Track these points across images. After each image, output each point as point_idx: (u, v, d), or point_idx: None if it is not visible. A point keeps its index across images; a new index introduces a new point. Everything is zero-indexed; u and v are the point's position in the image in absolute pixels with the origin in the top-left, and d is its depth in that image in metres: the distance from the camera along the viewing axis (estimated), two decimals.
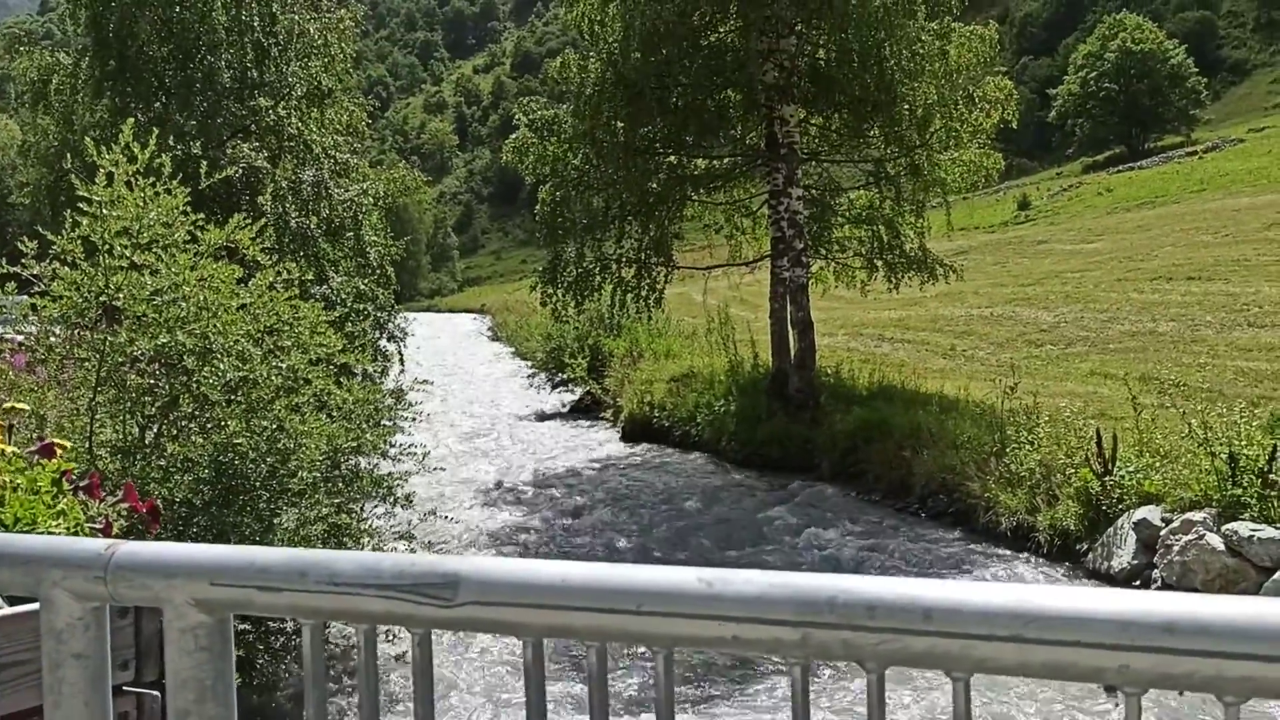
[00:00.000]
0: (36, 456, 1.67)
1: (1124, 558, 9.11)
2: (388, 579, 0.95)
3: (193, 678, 1.04)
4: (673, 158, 16.75)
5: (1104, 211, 40.03)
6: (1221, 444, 9.01)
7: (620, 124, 15.77)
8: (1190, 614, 0.70)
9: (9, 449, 1.65)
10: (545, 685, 0.95)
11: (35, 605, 1.24)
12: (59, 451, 1.71)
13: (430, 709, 0.98)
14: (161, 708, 1.50)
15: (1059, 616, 0.74)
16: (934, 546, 10.52)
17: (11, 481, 1.57)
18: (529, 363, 28.84)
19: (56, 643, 1.09)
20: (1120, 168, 55.25)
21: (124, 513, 1.75)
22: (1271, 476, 8.47)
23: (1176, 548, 8.57)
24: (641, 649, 7.60)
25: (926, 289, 17.80)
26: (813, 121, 16.77)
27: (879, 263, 16.79)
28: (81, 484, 1.72)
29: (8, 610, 1.36)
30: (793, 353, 15.80)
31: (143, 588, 1.04)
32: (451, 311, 68.51)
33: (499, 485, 14.44)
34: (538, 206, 17.26)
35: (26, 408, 2.05)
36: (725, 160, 17.31)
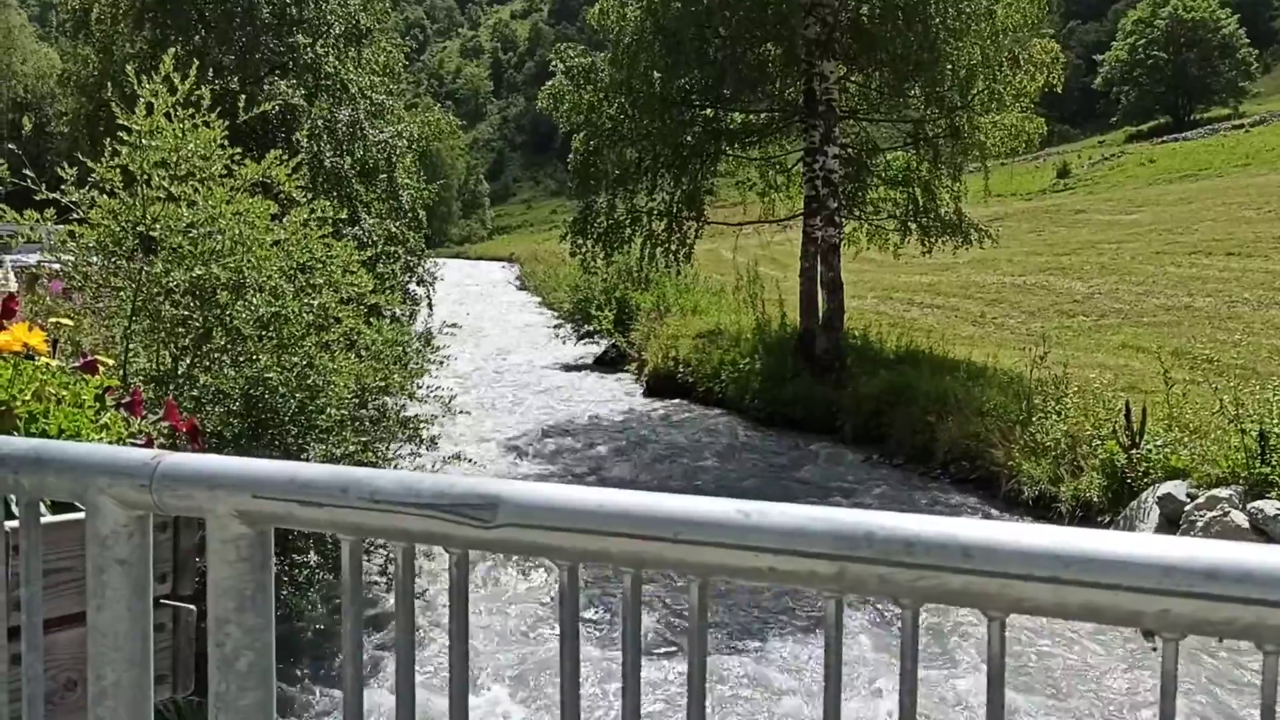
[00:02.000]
0: (80, 372, 1.70)
1: (1146, 531, 9.08)
2: (428, 498, 0.96)
3: (233, 587, 1.06)
4: (709, 111, 16.59)
5: (1145, 182, 39.42)
6: (1253, 421, 8.93)
7: (657, 74, 15.62)
8: (1235, 561, 0.70)
9: (54, 363, 1.67)
10: (579, 610, 0.97)
11: (79, 515, 1.27)
12: (101, 369, 1.74)
13: (465, 627, 0.99)
14: (196, 621, 1.53)
15: (1099, 559, 0.74)
16: (954, 513, 10.52)
17: (56, 393, 1.60)
18: (555, 313, 28.88)
19: (101, 548, 1.11)
20: (1164, 138, 54.30)
21: (165, 430, 1.78)
22: None
23: (1200, 523, 8.52)
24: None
25: (959, 255, 17.63)
26: (853, 79, 16.55)
27: (913, 226, 16.62)
28: (124, 400, 1.75)
29: (53, 518, 1.39)
30: (821, 314, 15.72)
31: (186, 497, 1.06)
32: (480, 259, 68.55)
33: (520, 434, 14.52)
34: (570, 156, 17.18)
35: (70, 322, 2.08)
36: (762, 115, 17.13)
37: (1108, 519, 9.66)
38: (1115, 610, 0.73)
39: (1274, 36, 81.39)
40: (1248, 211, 25.85)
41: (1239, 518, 8.35)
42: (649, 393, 17.78)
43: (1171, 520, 8.92)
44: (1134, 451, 9.61)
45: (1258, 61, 68.65)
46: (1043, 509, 10.26)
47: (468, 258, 71.94)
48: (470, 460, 8.56)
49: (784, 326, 17.26)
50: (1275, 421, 8.84)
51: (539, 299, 34.97)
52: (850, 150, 16.81)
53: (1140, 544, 0.73)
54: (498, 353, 23.11)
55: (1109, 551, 0.73)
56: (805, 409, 14.52)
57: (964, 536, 0.78)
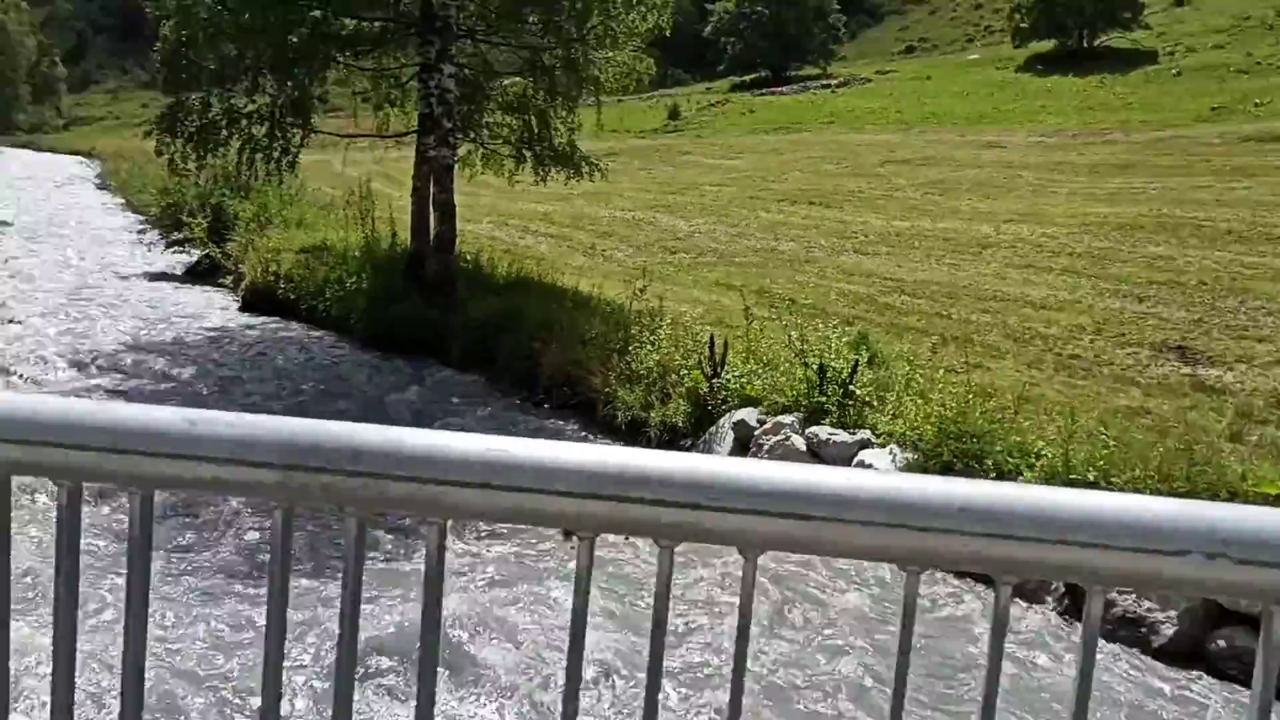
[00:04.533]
0: None
1: (722, 454, 9.93)
2: None
3: None
4: (317, 12, 15.61)
5: (745, 131, 42.34)
6: (814, 356, 9.97)
7: None
8: (638, 465, 0.75)
9: None
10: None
11: None
12: None
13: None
14: None
15: (525, 466, 0.76)
16: (554, 437, 10.90)
17: None
18: (142, 217, 26.40)
19: None
20: (764, 91, 58.37)
21: None
22: (851, 387, 9.53)
23: (766, 446, 9.44)
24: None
25: (574, 187, 18.09)
26: None
27: (527, 154, 16.79)
28: None
29: None
30: (433, 235, 15.55)
31: None
32: (54, 152, 61.20)
33: (91, 350, 13.08)
34: (158, 44, 15.58)
35: None
36: (376, 25, 16.44)
37: (690, 442, 10.45)
38: (539, 513, 0.76)
39: (860, 5, 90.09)
40: (829, 166, 28.63)
41: (798, 441, 9.34)
42: (246, 308, 16.79)
43: (743, 443, 9.81)
44: (715, 381, 10.43)
45: (845, 28, 75.56)
46: (634, 433, 10.89)
47: (39, 149, 64.30)
48: (22, 376, 7.61)
49: (395, 246, 16.91)
50: (833, 357, 9.94)
51: (123, 200, 31.74)
52: (468, 71, 16.60)
53: (564, 451, 0.76)
54: (69, 257, 20.73)
55: (532, 458, 0.75)
56: (413, 331, 14.32)
57: (409, 446, 0.78)
